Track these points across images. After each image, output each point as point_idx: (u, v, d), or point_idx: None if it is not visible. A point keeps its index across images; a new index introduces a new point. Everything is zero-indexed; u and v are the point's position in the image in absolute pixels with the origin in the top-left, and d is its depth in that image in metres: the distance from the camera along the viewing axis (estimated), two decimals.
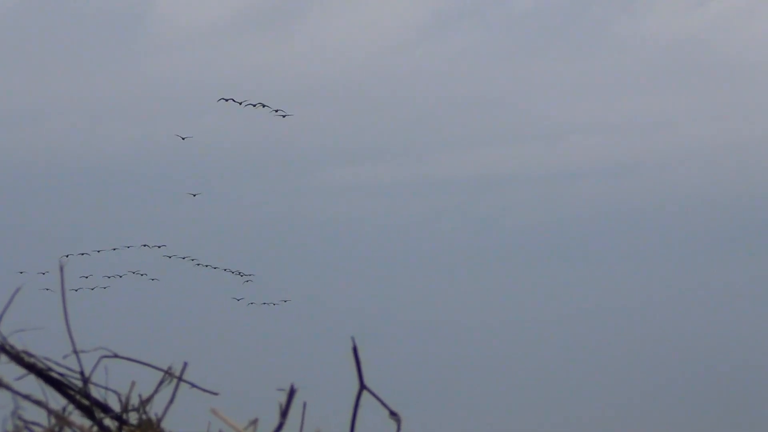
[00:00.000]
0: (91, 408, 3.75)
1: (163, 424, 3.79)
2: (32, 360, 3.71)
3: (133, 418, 3.76)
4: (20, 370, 3.72)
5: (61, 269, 3.70)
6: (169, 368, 3.77)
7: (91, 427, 3.70)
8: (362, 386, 3.60)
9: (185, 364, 3.80)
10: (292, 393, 3.69)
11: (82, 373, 3.75)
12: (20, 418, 3.62)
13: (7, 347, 3.61)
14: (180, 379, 3.77)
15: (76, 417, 3.74)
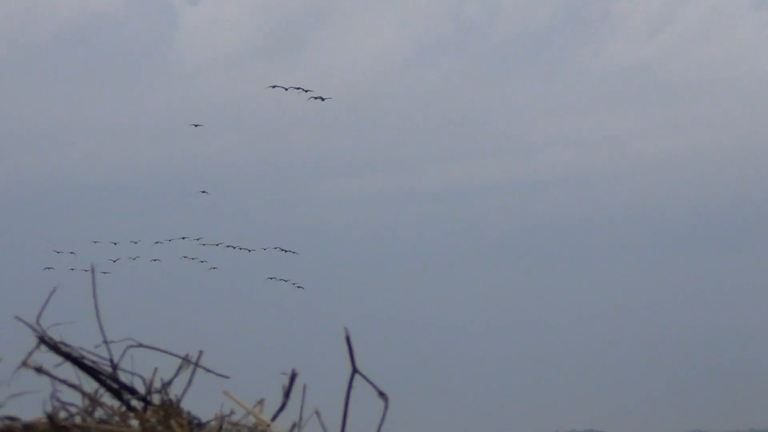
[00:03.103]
0: (120, 391, 3.94)
1: (182, 405, 3.96)
2: (68, 349, 3.88)
3: (156, 399, 3.92)
4: (58, 359, 3.88)
5: (93, 270, 3.91)
6: (187, 355, 3.95)
7: (120, 407, 3.87)
8: (354, 370, 3.76)
9: (201, 352, 3.97)
10: (293, 377, 3.86)
11: (111, 360, 3.93)
12: (58, 399, 3.78)
13: (46, 339, 3.79)
14: (196, 365, 3.95)
15: (107, 398, 3.91)
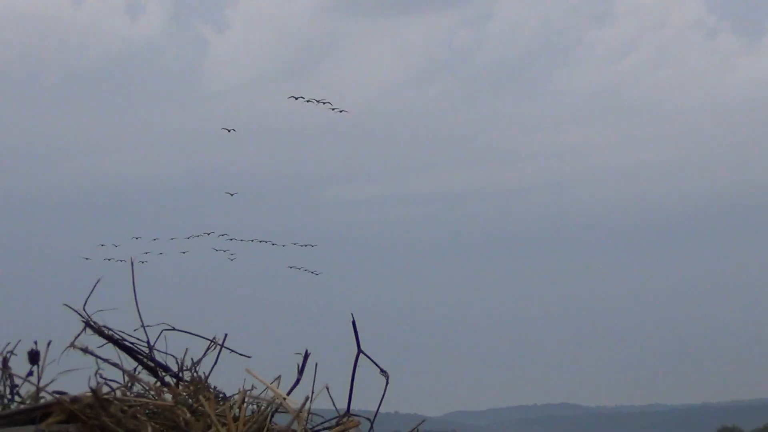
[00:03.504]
0: (155, 368, 4.05)
1: (210, 381, 4.01)
2: (110, 333, 3.99)
3: (186, 376, 4.00)
4: (101, 341, 3.98)
5: (131, 264, 4.05)
6: (214, 338, 4.05)
7: (155, 383, 3.96)
8: (359, 351, 3.82)
9: (225, 335, 4.08)
10: (306, 356, 3.94)
11: (148, 342, 4.04)
12: (101, 376, 3.84)
13: (92, 323, 3.91)
14: (222, 346, 4.05)
15: (144, 375, 3.99)
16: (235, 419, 3.66)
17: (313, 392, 3.89)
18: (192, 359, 4.04)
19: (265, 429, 3.71)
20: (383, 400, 3.94)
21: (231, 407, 3.77)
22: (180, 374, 4.00)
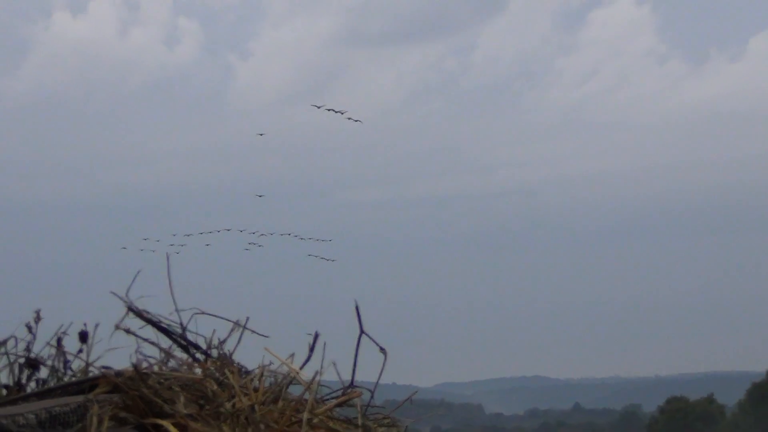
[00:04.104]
0: (187, 347, 4.07)
1: (234, 357, 4.01)
2: (149, 316, 4.01)
3: (214, 353, 3.96)
4: (141, 323, 4.03)
5: (168, 258, 4.12)
6: (237, 320, 4.09)
7: (187, 359, 3.94)
8: (362, 331, 3.86)
9: (247, 318, 4.11)
10: (316, 336, 3.91)
11: (181, 324, 4.08)
12: (141, 353, 3.86)
13: (133, 308, 3.96)
14: (244, 327, 4.10)
15: (177, 352, 4.02)
16: (256, 390, 3.71)
17: (321, 367, 3.89)
18: (218, 339, 4.05)
19: (281, 398, 3.75)
20: (382, 374, 4.00)
21: (252, 380, 3.81)
22: (208, 352, 4.02)
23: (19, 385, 4.03)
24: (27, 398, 3.66)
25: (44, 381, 4.05)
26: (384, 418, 3.97)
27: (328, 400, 3.85)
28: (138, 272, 3.87)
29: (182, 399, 3.45)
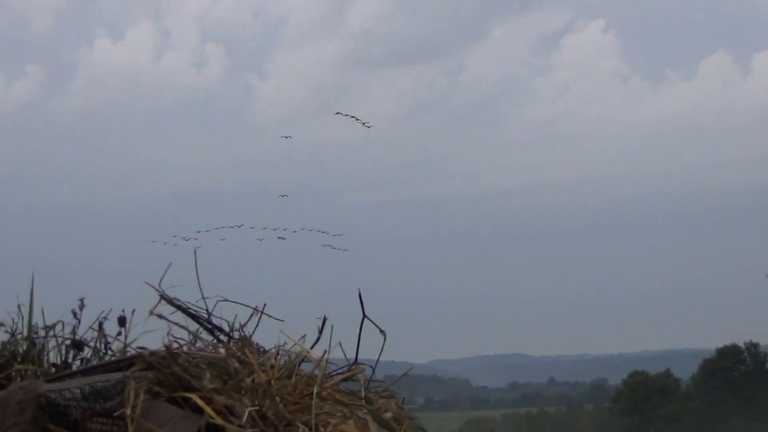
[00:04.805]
0: (212, 330, 3.97)
1: (253, 338, 3.90)
2: (179, 303, 3.91)
3: (235, 335, 3.91)
4: (172, 309, 3.87)
5: (195, 252, 4.09)
6: (256, 307, 4.06)
7: (212, 340, 3.91)
8: (364, 316, 3.85)
9: (264, 305, 4.02)
10: (324, 320, 3.88)
11: (207, 310, 3.98)
12: (172, 335, 3.81)
13: (165, 296, 3.93)
14: (262, 312, 4.06)
15: (204, 335, 3.88)
16: (272, 367, 3.69)
17: (329, 347, 3.87)
18: (240, 323, 3.98)
19: (294, 374, 3.73)
20: (382, 353, 3.98)
21: (269, 358, 3.77)
22: (230, 334, 3.98)
23: (65, 364, 4.02)
24: (72, 375, 3.65)
25: (87, 360, 4.04)
26: (384, 390, 3.96)
27: (335, 375, 3.82)
28: (169, 265, 3.87)
29: (208, 375, 3.43)
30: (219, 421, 3.18)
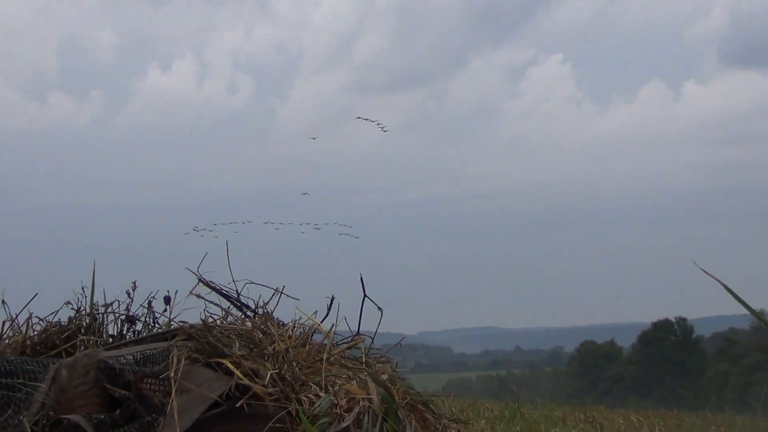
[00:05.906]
0: (241, 307, 4.02)
1: (274, 314, 3.89)
2: (213, 285, 3.96)
3: (260, 311, 3.99)
4: (207, 290, 3.99)
5: (227, 244, 4.07)
6: (277, 288, 4.05)
7: (241, 316, 3.88)
8: (365, 295, 3.83)
9: (283, 286, 4.05)
10: (332, 299, 3.88)
11: (237, 291, 3.98)
12: (208, 312, 3.79)
13: (202, 279, 3.92)
14: (281, 292, 4.05)
15: (234, 311, 3.94)
16: (290, 337, 3.68)
17: (336, 321, 3.87)
18: (263, 301, 3.99)
19: (307, 343, 3.72)
20: (379, 326, 3.97)
21: (287, 330, 3.77)
22: (256, 310, 3.98)
23: (121, 335, 3.99)
24: (126, 344, 3.63)
25: (139, 332, 4.00)
26: (381, 357, 3.95)
27: (341, 344, 3.81)
28: (206, 254, 3.87)
29: (237, 344, 3.42)
30: (246, 381, 3.17)
